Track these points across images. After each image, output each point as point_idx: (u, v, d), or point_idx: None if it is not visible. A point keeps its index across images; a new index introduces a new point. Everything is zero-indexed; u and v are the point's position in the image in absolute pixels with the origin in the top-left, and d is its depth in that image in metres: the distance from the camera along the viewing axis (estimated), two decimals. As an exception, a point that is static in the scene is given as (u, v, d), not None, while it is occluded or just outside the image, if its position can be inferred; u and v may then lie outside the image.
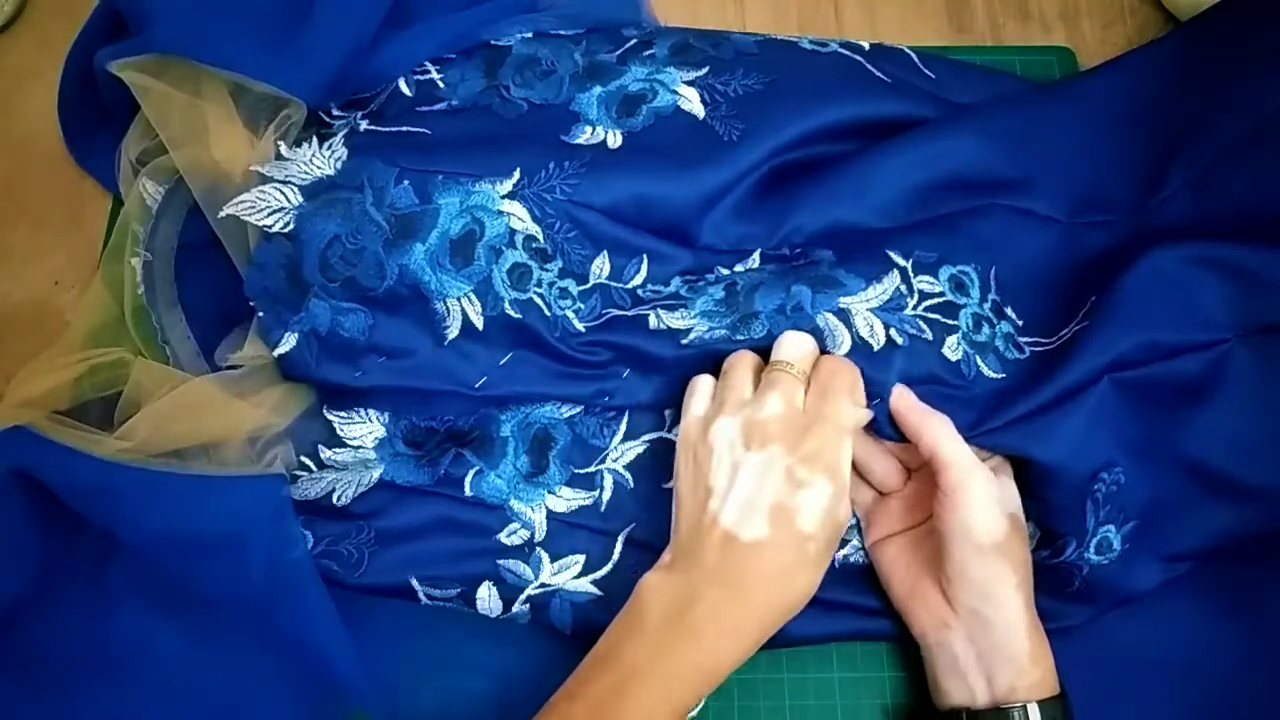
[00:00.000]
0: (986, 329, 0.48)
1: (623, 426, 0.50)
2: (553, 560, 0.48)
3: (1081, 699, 0.43)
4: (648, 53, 0.54)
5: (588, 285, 0.50)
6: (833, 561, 0.49)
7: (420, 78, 0.53)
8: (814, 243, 0.51)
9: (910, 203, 0.52)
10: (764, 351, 0.46)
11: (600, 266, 0.50)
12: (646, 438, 0.50)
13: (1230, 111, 0.52)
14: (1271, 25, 0.52)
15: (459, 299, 0.48)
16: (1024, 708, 0.42)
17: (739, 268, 0.51)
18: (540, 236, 0.49)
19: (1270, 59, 0.52)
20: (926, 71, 0.56)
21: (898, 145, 0.52)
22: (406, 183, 0.47)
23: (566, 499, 0.49)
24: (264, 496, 0.46)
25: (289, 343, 0.47)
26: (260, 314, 0.48)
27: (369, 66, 0.52)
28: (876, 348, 0.45)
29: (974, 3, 0.63)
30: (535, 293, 0.49)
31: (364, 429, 0.49)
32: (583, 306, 0.49)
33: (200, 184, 0.49)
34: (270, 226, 0.47)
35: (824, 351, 0.45)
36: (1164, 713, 0.47)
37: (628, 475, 0.49)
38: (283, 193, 0.47)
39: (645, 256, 0.50)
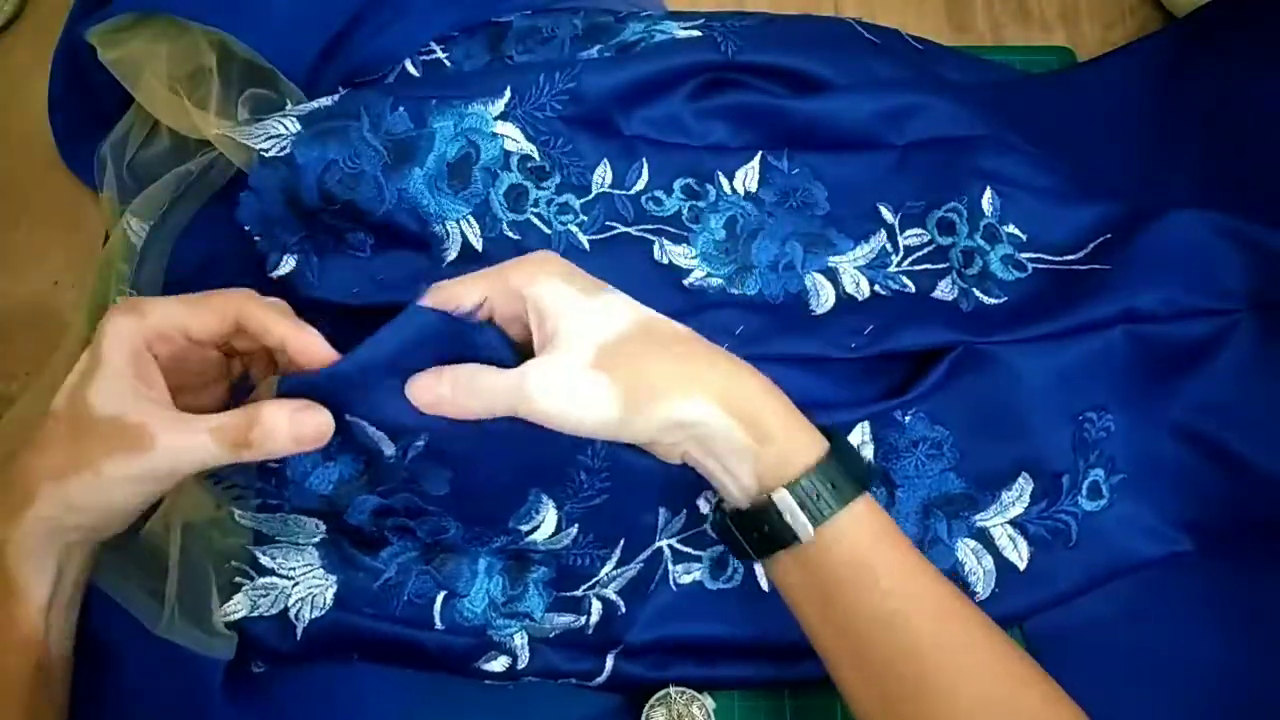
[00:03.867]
0: (978, 260, 0.50)
1: (616, 554, 0.45)
2: (543, 680, 0.45)
3: (1084, 703, 0.43)
4: (646, 14, 0.55)
5: (590, 196, 0.50)
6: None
7: (426, 58, 0.53)
8: (810, 159, 0.52)
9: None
10: (749, 303, 0.49)
11: (602, 175, 0.50)
12: (642, 557, 0.45)
13: (1229, 110, 0.52)
14: (1268, 22, 0.52)
15: (458, 221, 0.48)
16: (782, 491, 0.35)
17: (739, 175, 0.51)
18: (536, 154, 0.49)
19: (1265, 55, 0.52)
20: (916, 45, 0.58)
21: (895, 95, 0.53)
22: (401, 109, 0.47)
23: (549, 624, 0.45)
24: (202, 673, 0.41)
25: (288, 265, 0.47)
26: (256, 239, 0.47)
27: (373, 50, 0.51)
28: (860, 300, 0.49)
29: (974, 3, 0.63)
30: (533, 213, 0.49)
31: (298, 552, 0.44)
32: (585, 219, 0.49)
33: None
34: (267, 150, 0.46)
35: (807, 306, 0.49)
36: (1167, 717, 0.47)
37: (619, 601, 0.45)
38: (281, 122, 0.47)
39: (645, 160, 0.51)
